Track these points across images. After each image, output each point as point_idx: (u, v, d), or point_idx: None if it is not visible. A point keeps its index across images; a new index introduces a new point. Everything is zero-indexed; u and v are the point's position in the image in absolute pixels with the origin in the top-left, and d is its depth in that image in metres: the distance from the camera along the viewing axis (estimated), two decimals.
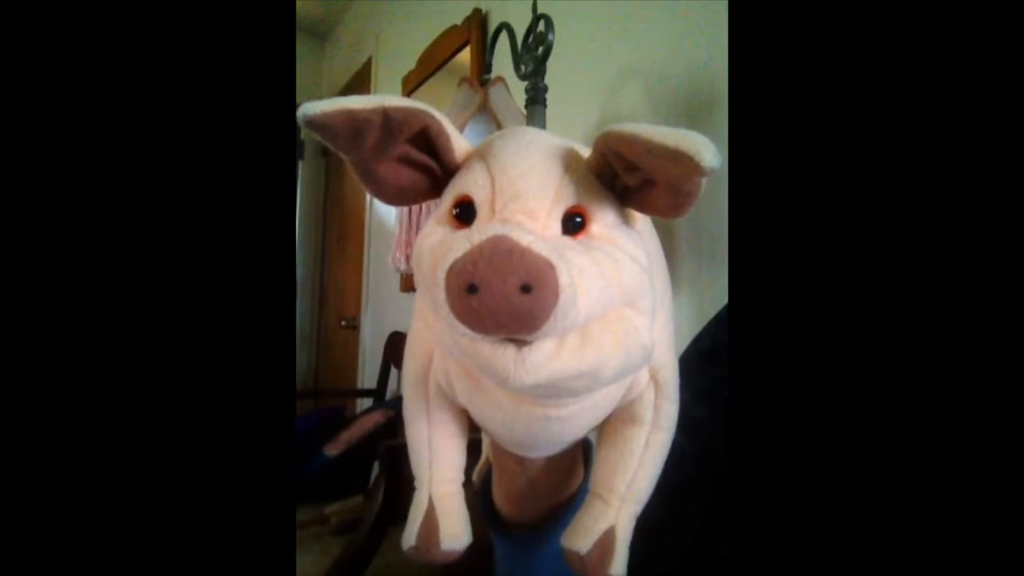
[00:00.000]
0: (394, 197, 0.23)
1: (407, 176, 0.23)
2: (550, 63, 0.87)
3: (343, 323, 2.39)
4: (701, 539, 0.35)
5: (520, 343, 0.19)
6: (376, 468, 1.49)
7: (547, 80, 0.88)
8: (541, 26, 0.87)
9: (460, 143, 0.23)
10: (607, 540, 0.26)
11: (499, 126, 0.95)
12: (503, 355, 0.19)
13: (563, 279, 0.18)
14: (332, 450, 1.63)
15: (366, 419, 1.71)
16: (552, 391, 0.21)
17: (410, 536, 0.27)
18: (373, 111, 0.20)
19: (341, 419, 1.85)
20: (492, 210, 0.21)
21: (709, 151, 0.17)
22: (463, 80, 1.03)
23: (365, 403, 2.00)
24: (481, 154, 0.23)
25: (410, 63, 1.89)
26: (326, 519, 1.49)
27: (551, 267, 0.18)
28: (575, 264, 0.19)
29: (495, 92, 0.99)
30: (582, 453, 0.34)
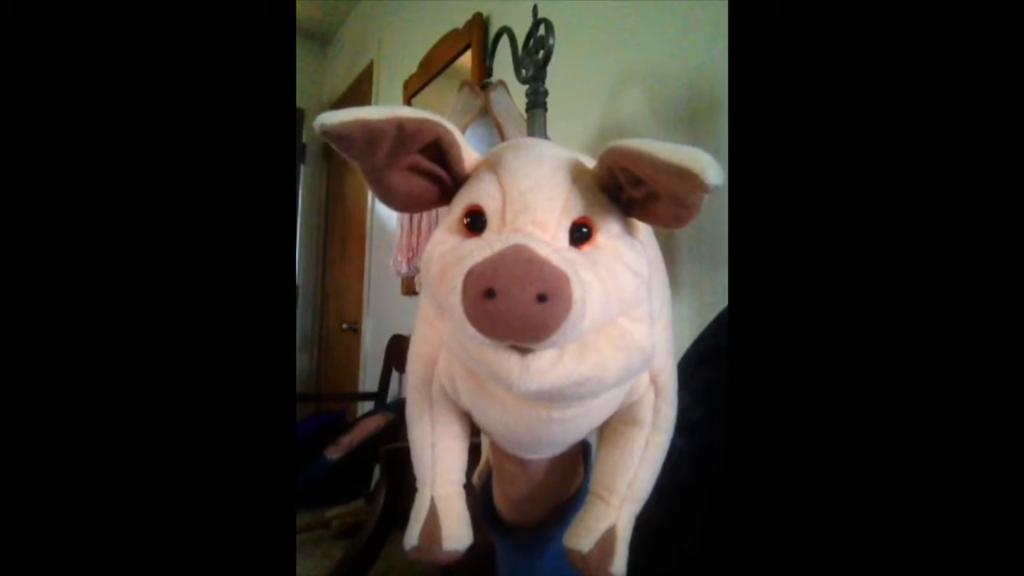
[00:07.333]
0: (403, 204, 0.24)
1: (417, 184, 0.24)
2: (551, 67, 0.87)
3: (344, 326, 2.39)
4: (699, 539, 0.35)
5: (524, 351, 0.20)
6: (377, 472, 1.49)
7: (547, 84, 0.88)
8: (541, 30, 0.87)
9: (470, 153, 0.24)
10: (608, 539, 0.27)
11: (500, 130, 0.95)
12: (507, 362, 0.20)
13: (576, 293, 0.19)
14: (333, 454, 1.63)
15: (367, 423, 1.71)
16: (557, 396, 0.22)
17: (412, 537, 0.27)
18: (388, 121, 0.20)
19: (342, 423, 1.85)
20: (503, 220, 0.22)
21: (713, 168, 0.17)
22: (464, 84, 1.03)
23: (366, 407, 2.00)
24: (491, 165, 0.24)
25: (411, 67, 1.90)
26: (327, 523, 1.49)
27: (567, 280, 0.19)
28: (583, 280, 0.20)
29: (496, 96, 0.99)
30: (582, 455, 0.34)
